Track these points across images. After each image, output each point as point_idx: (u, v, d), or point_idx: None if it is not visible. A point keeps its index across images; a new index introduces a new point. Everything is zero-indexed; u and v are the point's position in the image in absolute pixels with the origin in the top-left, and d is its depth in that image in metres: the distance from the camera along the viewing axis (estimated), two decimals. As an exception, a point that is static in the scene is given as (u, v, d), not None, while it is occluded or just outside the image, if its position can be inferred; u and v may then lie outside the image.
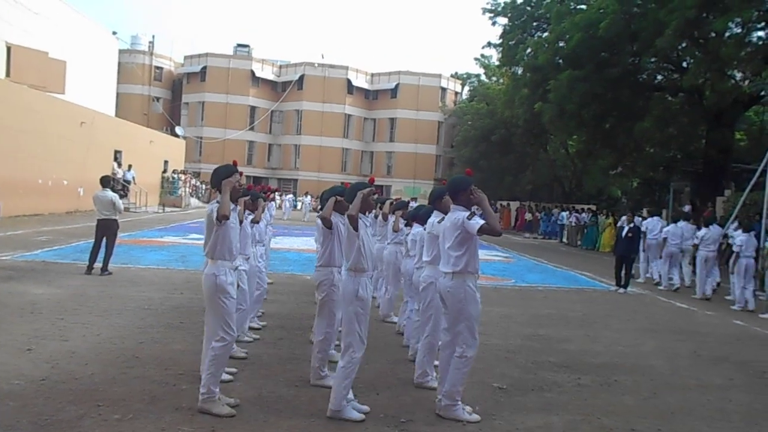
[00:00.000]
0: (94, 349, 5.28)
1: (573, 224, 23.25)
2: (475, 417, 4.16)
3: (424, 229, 5.43)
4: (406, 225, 6.57)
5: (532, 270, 14.05)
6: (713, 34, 16.89)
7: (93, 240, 9.55)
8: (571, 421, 4.30)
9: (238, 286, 4.59)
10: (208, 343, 4.16)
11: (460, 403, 4.18)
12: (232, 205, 4.12)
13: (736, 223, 11.60)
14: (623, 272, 11.31)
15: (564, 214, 25.48)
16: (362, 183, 4.34)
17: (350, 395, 4.15)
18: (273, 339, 6.09)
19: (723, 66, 16.91)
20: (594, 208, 26.29)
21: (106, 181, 9.65)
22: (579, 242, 22.81)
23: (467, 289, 4.18)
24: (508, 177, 36.91)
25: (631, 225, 11.46)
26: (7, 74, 20.10)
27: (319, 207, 7.80)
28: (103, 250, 9.38)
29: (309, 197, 34.38)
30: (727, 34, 16.89)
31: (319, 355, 4.68)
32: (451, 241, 4.22)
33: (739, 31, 16.88)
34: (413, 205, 7.83)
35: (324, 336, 4.66)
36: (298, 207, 34.68)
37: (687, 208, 17.98)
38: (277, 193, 22.54)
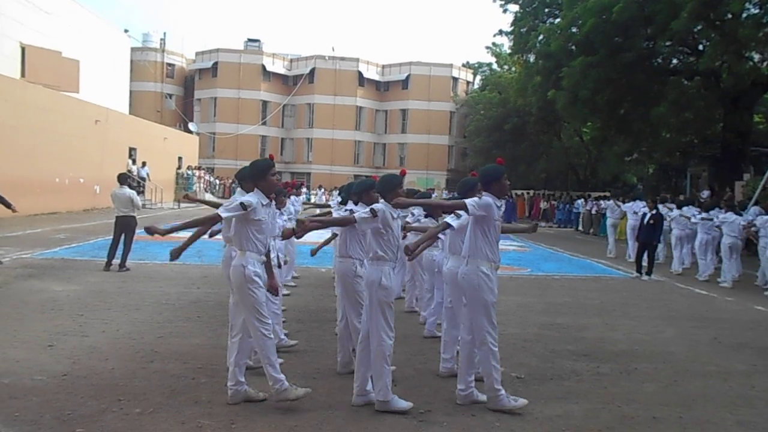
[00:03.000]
0: (113, 344, 5.34)
1: (594, 212, 22.98)
2: (522, 402, 4.15)
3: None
4: (427, 216, 6.54)
5: (548, 259, 13.96)
6: (730, 16, 16.53)
7: (111, 237, 9.66)
8: (591, 410, 4.27)
9: None
10: (234, 337, 4.19)
11: (502, 391, 4.16)
12: (266, 200, 4.11)
13: (756, 208, 11.47)
14: (646, 259, 11.25)
15: (579, 201, 25.24)
16: (393, 175, 4.34)
17: (369, 386, 4.16)
18: (290, 332, 6.10)
19: (740, 48, 16.54)
20: (609, 195, 26.01)
21: (123, 179, 9.74)
22: (592, 230, 22.58)
23: (480, 275, 4.15)
24: (521, 166, 36.62)
25: (654, 212, 11.31)
26: (22, 74, 20.33)
27: (338, 201, 7.81)
28: (121, 246, 9.48)
29: (322, 190, 34.42)
30: (744, 14, 16.52)
31: (345, 347, 4.72)
32: (474, 228, 4.20)
33: (757, 11, 16.50)
34: (435, 195, 7.80)
35: (347, 326, 4.67)
36: (312, 200, 34.72)
37: (706, 193, 17.73)
38: (303, 187, 22.45)
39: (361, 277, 4.38)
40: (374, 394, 4.06)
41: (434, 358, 5.37)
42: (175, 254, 4.35)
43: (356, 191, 4.65)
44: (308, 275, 9.74)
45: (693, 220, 11.80)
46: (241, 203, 3.92)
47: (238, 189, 4.88)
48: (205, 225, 4.32)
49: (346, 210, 4.89)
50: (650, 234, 11.24)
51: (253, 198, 4.01)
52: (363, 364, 4.17)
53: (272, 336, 4.07)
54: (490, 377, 4.14)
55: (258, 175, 4.10)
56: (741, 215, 11.15)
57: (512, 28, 25.37)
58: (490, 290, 4.18)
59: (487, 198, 4.14)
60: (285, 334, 5.56)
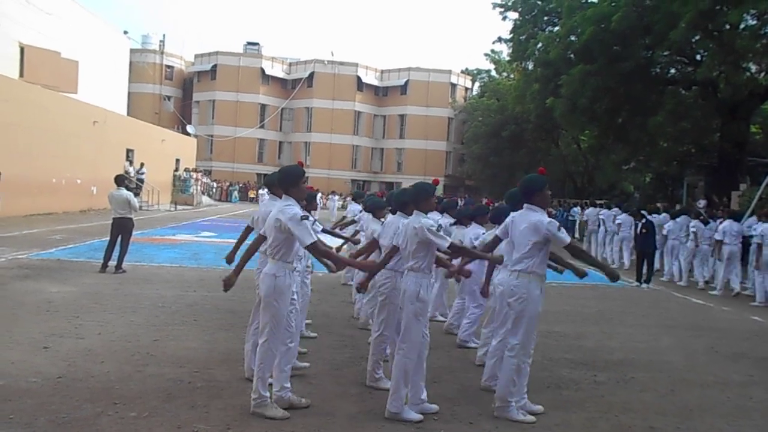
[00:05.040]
0: (109, 346, 5.30)
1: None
2: (530, 418, 4.15)
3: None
4: (454, 224, 6.52)
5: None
6: (728, 26, 16.64)
7: (107, 238, 9.62)
8: (589, 419, 4.26)
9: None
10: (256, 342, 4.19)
11: (513, 403, 4.17)
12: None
13: (753, 219, 11.57)
14: (644, 267, 11.32)
15: (576, 209, 25.29)
16: (426, 184, 4.37)
17: (424, 395, 4.17)
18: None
19: (738, 58, 16.65)
20: (588, 203, 26.06)
21: (120, 180, 9.71)
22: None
23: (531, 289, 4.17)
24: (519, 173, 36.65)
25: (644, 221, 11.40)
26: (21, 74, 20.26)
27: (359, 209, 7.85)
28: (117, 248, 9.44)
29: (319, 194, 34.26)
30: (741, 25, 16.65)
31: (373, 357, 4.72)
32: (526, 242, 4.20)
33: (755, 22, 16.63)
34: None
35: (381, 337, 4.67)
36: (321, 205, 34.44)
37: (702, 203, 17.80)
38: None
39: (399, 289, 4.37)
40: (388, 403, 4.04)
41: (431, 365, 5.35)
42: (233, 283, 4.29)
43: (395, 203, 4.67)
44: (316, 281, 9.62)
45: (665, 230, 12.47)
46: (303, 217, 3.92)
47: (267, 193, 4.86)
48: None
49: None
50: (646, 242, 11.30)
51: (296, 207, 4.00)
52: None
53: (276, 353, 4.04)
54: (507, 388, 4.16)
55: (290, 183, 4.09)
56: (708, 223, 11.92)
57: (511, 35, 25.50)
58: (539, 303, 4.22)
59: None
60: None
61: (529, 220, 4.22)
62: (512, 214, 4.46)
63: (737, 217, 11.56)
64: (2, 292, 7.43)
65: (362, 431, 3.84)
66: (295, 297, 4.20)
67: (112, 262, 9.31)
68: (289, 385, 4.09)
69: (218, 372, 4.76)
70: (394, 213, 5.00)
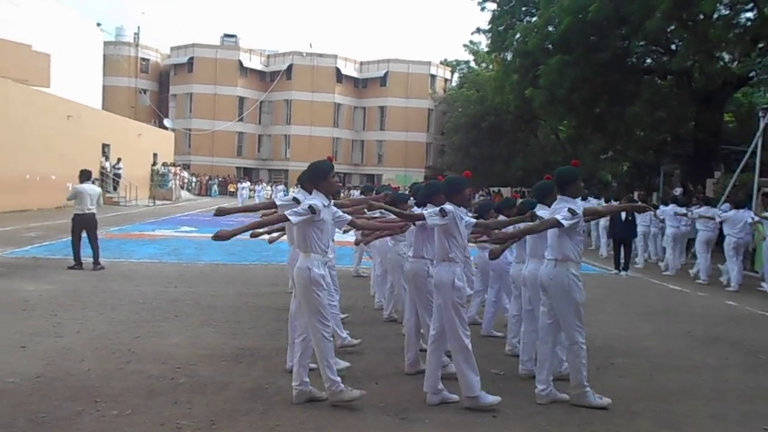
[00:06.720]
0: (89, 344, 5.23)
1: None
2: (606, 401, 4.27)
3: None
4: (477, 218, 6.51)
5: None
6: (701, 16, 16.86)
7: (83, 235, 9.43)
8: (572, 405, 4.31)
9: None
10: (298, 337, 4.19)
11: (589, 388, 4.26)
12: (326, 201, 4.11)
13: (727, 205, 11.76)
14: (622, 255, 11.47)
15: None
16: (458, 177, 4.44)
17: (440, 385, 4.22)
18: (270, 331, 6.06)
19: (711, 48, 16.89)
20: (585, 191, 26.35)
21: (89, 175, 9.66)
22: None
23: (570, 276, 4.25)
24: (499, 163, 36.93)
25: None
26: (-9, 68, 19.77)
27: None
28: (86, 244, 9.24)
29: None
30: (715, 15, 16.87)
31: (413, 347, 4.78)
32: (560, 231, 4.26)
33: (728, 12, 16.87)
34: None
35: (416, 326, 4.72)
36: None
37: (678, 190, 18.10)
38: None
39: (432, 277, 4.41)
40: (462, 390, 4.12)
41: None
42: (225, 236, 3.81)
43: (422, 196, 4.72)
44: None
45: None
46: (310, 206, 3.93)
47: (299, 189, 4.88)
48: (270, 225, 4.28)
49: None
50: (626, 231, 11.47)
51: (317, 200, 4.02)
52: (435, 363, 4.23)
53: (332, 339, 4.10)
54: (579, 374, 4.25)
55: (319, 177, 4.12)
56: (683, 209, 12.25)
57: (490, 26, 25.53)
58: (580, 290, 4.30)
59: (576, 209, 4.23)
60: (348, 334, 5.51)
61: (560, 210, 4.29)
62: (552, 207, 4.49)
63: (679, 202, 12.39)
64: (-24, 291, 7.27)
65: (346, 422, 3.84)
66: (326, 288, 4.22)
67: (89, 259, 9.16)
68: (307, 378, 4.12)
69: (201, 368, 4.73)
70: (419, 206, 5.02)
